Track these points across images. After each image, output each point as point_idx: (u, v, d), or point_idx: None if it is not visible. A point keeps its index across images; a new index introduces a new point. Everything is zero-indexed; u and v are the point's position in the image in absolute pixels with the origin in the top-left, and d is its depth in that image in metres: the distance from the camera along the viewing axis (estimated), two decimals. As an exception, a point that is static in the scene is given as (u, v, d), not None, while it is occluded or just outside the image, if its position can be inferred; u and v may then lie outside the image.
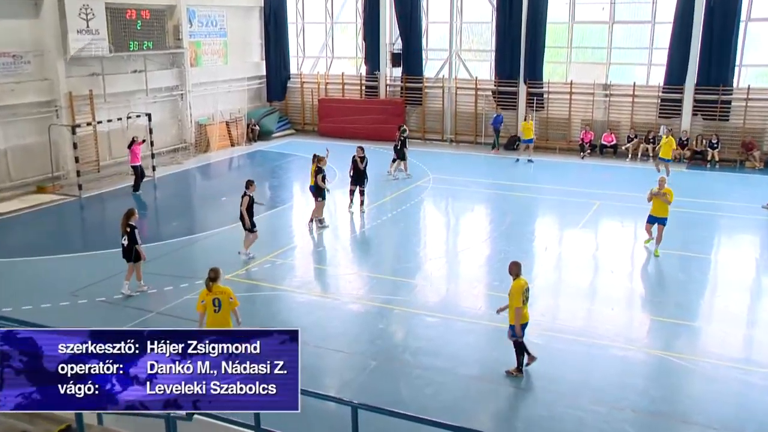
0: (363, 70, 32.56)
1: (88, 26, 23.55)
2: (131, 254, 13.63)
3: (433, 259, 16.11)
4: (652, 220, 15.60)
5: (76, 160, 22.12)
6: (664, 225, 15.29)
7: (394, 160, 23.76)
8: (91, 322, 12.51)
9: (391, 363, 10.81)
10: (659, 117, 27.15)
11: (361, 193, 19.54)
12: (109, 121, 24.01)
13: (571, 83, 28.35)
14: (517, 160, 26.42)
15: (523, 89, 28.94)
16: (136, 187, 22.48)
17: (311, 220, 18.23)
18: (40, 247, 16.96)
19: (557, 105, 28.83)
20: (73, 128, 22.03)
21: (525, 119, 27.26)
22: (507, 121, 29.09)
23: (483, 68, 30.60)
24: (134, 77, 26.12)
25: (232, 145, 30.45)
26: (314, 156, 18.28)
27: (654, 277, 14.90)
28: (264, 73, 33.67)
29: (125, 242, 13.59)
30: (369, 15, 31.43)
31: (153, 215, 20.85)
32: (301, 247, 17.11)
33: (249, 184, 15.69)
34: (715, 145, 25.90)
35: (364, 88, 32.43)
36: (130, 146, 22.53)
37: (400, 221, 19.14)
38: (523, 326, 10.47)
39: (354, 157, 19.57)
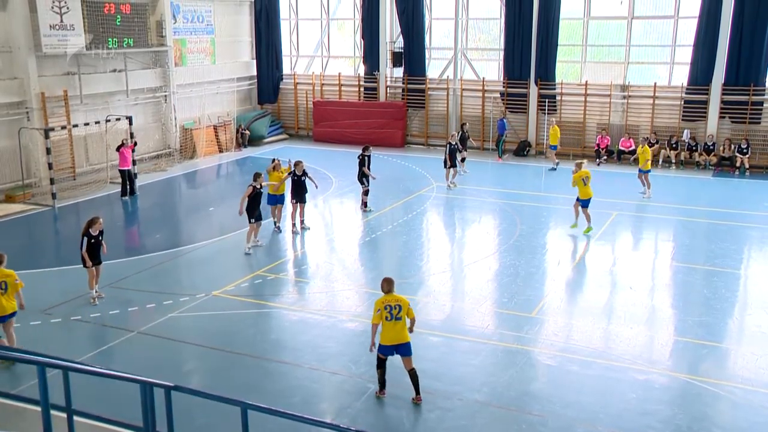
0: (361, 70, 32.74)
1: (62, 21, 23.58)
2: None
3: (437, 274, 16.11)
4: (585, 203, 18.24)
5: (50, 166, 22.14)
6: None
7: (447, 167, 23.39)
8: (65, 344, 12.49)
9: (391, 386, 10.78)
10: (682, 120, 27.19)
11: (365, 193, 20.35)
12: (86, 124, 24.07)
13: (586, 84, 28.46)
14: (554, 168, 26.49)
15: (534, 90, 29.06)
16: (124, 191, 22.74)
17: (293, 225, 19.14)
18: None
19: (571, 107, 28.93)
20: (46, 132, 22.04)
21: (551, 124, 27.32)
22: (516, 125, 29.20)
23: (491, 68, 30.75)
24: (113, 77, 26.26)
25: (221, 151, 30.64)
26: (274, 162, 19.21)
27: (677, 294, 14.82)
28: (254, 73, 33.94)
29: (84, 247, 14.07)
30: (368, 11, 31.61)
31: (134, 226, 20.87)
32: (295, 261, 17.15)
33: (256, 176, 16.95)
34: (745, 151, 25.92)
35: (362, 89, 32.62)
36: (118, 149, 22.67)
37: (401, 233, 19.17)
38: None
39: (360, 156, 20.45)
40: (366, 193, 20.53)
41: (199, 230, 19.60)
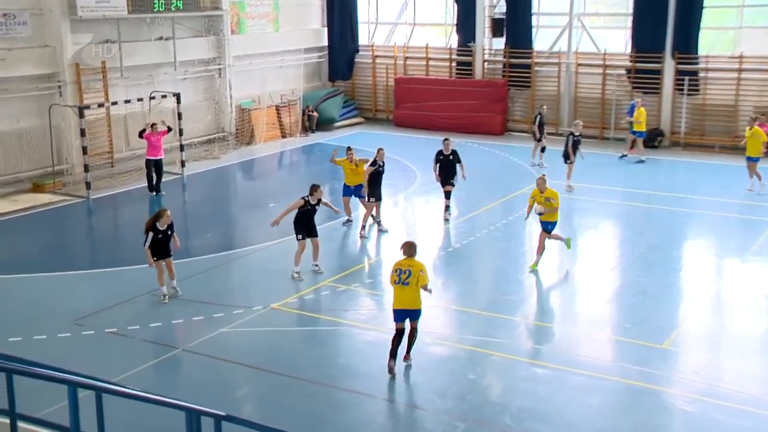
0: (454, 41, 32.65)
1: (101, -20, 24.25)
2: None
3: (544, 291, 15.89)
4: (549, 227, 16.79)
5: (84, 150, 22.72)
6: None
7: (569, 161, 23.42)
8: (98, 361, 12.79)
9: (485, 427, 10.64)
10: None
11: (447, 195, 19.95)
12: (127, 101, 24.63)
13: (741, 57, 27.50)
14: (642, 161, 26.03)
15: (670, 66, 28.31)
16: (151, 186, 22.99)
17: (363, 227, 19.06)
18: (34, 262, 17.50)
19: (718, 87, 28.03)
20: (81, 110, 22.60)
21: (638, 105, 26.57)
22: (648, 109, 28.45)
23: (615, 38, 30.13)
24: (159, 46, 26.90)
25: (283, 136, 31.00)
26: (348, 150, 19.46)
27: None
28: (325, 44, 34.30)
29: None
30: (463, -32, 31.53)
31: (180, 224, 21.09)
32: (369, 270, 17.18)
33: (314, 189, 16.18)
34: None
35: (454, 64, 32.54)
36: (141, 134, 22.90)
37: (499, 239, 19.01)
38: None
39: (440, 150, 19.73)
40: (448, 195, 19.92)
41: (256, 230, 19.80)
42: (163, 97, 25.55)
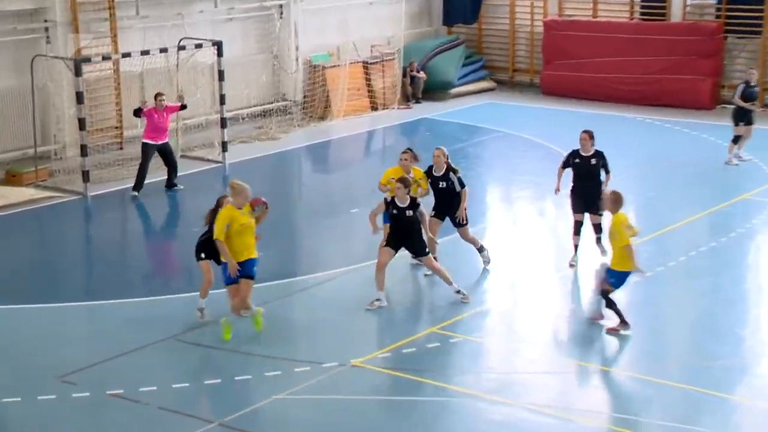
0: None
1: None
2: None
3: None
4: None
5: (81, 125, 22.94)
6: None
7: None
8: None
9: None
10: None
11: (577, 228, 18.86)
12: (145, 53, 24.88)
13: None
14: None
15: None
16: (139, 183, 23.01)
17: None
18: (5, 289, 17.78)
19: None
20: (77, 64, 22.80)
21: None
22: None
23: None
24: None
25: (374, 108, 31.21)
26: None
27: None
28: (439, -32, 34.54)
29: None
30: None
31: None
32: (500, 311, 17.16)
33: (403, 183, 16.36)
34: None
35: (636, 1, 32.37)
36: (138, 112, 23.21)
37: (704, 271, 18.69)
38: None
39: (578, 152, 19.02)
40: (579, 227, 18.82)
41: (330, 248, 19.85)
42: (198, 47, 25.71)
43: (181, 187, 23.38)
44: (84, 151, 22.91)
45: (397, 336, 15.74)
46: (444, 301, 17.09)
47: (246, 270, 15.11)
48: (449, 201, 18.03)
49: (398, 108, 31.41)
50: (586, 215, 18.52)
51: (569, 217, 18.88)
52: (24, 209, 22.19)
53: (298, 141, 28.08)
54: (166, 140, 23.20)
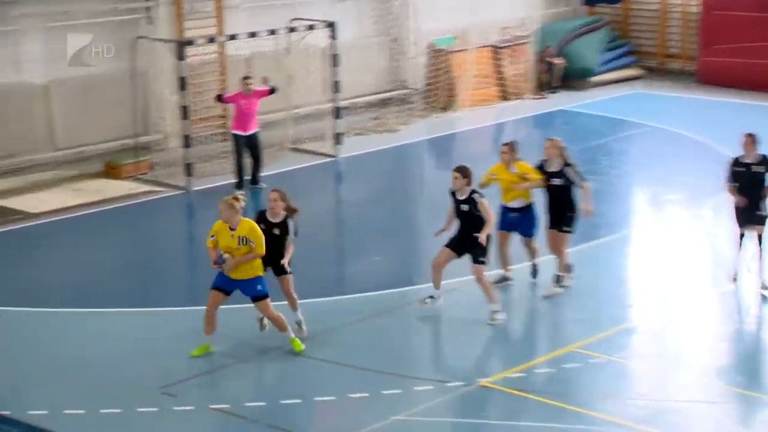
0: None
1: None
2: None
3: None
4: None
5: (184, 113, 23.33)
6: None
7: None
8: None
9: None
10: None
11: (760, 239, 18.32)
12: (253, 35, 25.08)
13: None
14: None
15: None
16: (241, 179, 23.25)
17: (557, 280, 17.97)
18: (102, 291, 18.07)
19: None
20: (180, 47, 23.23)
21: None
22: None
23: None
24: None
25: (504, 97, 31.13)
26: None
27: None
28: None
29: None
30: None
31: (329, 238, 21.48)
32: (649, 329, 16.88)
33: (456, 172, 16.49)
34: None
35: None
36: (221, 98, 23.44)
37: None
38: None
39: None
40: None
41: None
42: (310, 28, 25.84)
43: (264, 185, 23.26)
44: (186, 141, 23.24)
45: (531, 354, 15.70)
46: (584, 316, 16.96)
47: (245, 292, 15.01)
48: (564, 200, 17.51)
49: (533, 98, 31.35)
50: (750, 227, 17.92)
51: (731, 225, 18.33)
52: (122, 204, 22.53)
53: (419, 133, 28.12)
54: (255, 130, 23.29)
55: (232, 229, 14.72)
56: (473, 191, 16.53)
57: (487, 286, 16.47)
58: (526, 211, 17.76)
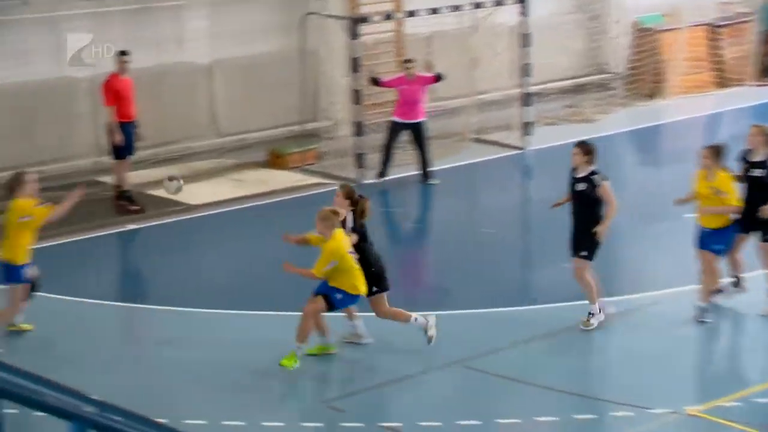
0: None
1: None
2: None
3: None
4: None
5: (356, 97, 23.48)
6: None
7: None
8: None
9: None
10: None
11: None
12: (434, 12, 25.07)
13: None
14: None
15: None
16: (384, 170, 23.37)
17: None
18: (255, 293, 18.30)
19: None
20: (354, 24, 23.35)
21: None
22: None
23: None
24: None
25: (722, 84, 30.71)
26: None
27: None
28: None
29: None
30: None
31: (514, 239, 21.52)
32: None
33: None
34: None
35: None
36: (377, 81, 23.33)
37: None
38: None
39: None
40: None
41: (656, 263, 19.77)
42: (498, 4, 25.68)
43: (437, 181, 23.39)
44: (359, 129, 23.44)
45: (748, 379, 15.40)
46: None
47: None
48: (764, 196, 16.56)
49: (754, 85, 30.73)
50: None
51: None
52: (286, 198, 22.79)
53: (620, 124, 27.91)
54: (421, 119, 23.24)
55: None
56: (594, 171, 16.51)
57: (587, 284, 16.30)
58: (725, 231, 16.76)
